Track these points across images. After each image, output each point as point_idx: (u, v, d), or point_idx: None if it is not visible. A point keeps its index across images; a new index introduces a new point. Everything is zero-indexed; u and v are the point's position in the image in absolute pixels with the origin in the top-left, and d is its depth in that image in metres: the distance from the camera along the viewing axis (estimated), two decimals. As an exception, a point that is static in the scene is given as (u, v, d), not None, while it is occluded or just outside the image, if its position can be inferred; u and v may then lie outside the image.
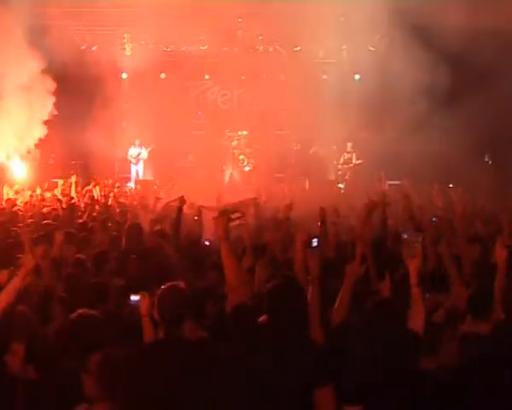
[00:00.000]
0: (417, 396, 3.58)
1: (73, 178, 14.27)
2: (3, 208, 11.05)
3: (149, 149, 19.00)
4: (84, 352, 3.68)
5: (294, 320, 3.63)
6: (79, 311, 3.94)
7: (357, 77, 20.16)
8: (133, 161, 19.18)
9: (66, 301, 4.97)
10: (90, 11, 16.35)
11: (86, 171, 17.74)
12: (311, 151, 19.78)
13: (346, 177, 19.12)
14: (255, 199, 8.86)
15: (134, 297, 4.12)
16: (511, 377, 3.63)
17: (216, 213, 8.44)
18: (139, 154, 19.18)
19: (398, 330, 3.73)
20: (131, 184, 18.43)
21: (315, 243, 4.95)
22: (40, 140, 16.29)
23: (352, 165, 19.25)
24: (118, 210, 10.85)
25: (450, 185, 14.14)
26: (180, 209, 7.30)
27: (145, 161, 19.32)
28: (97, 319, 3.91)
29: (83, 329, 3.82)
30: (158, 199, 10.20)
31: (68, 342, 3.84)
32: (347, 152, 19.25)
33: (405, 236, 6.63)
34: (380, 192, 11.80)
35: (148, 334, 4.00)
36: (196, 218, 9.55)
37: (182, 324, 3.61)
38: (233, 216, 8.43)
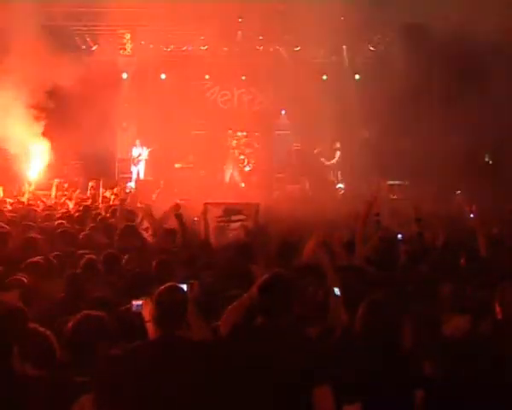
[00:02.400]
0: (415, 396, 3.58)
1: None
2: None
3: (150, 149, 19.01)
4: (87, 352, 3.68)
5: (287, 317, 3.63)
6: (84, 312, 3.92)
7: (357, 77, 20.15)
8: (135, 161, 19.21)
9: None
10: (90, 11, 16.33)
11: (86, 171, 17.71)
12: (316, 151, 19.76)
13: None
14: (257, 205, 9.05)
15: (136, 302, 3.96)
16: (510, 377, 3.63)
17: (220, 213, 8.50)
18: (140, 155, 19.19)
19: (393, 331, 3.72)
20: (132, 184, 18.44)
21: (337, 291, 4.24)
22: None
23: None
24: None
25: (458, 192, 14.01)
26: (179, 216, 7.10)
27: (145, 161, 19.31)
28: (102, 320, 3.89)
29: (87, 329, 3.80)
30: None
31: (72, 343, 3.82)
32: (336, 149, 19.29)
33: (400, 236, 6.63)
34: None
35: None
36: (196, 219, 9.57)
37: (179, 324, 3.61)
38: (236, 218, 8.49)
